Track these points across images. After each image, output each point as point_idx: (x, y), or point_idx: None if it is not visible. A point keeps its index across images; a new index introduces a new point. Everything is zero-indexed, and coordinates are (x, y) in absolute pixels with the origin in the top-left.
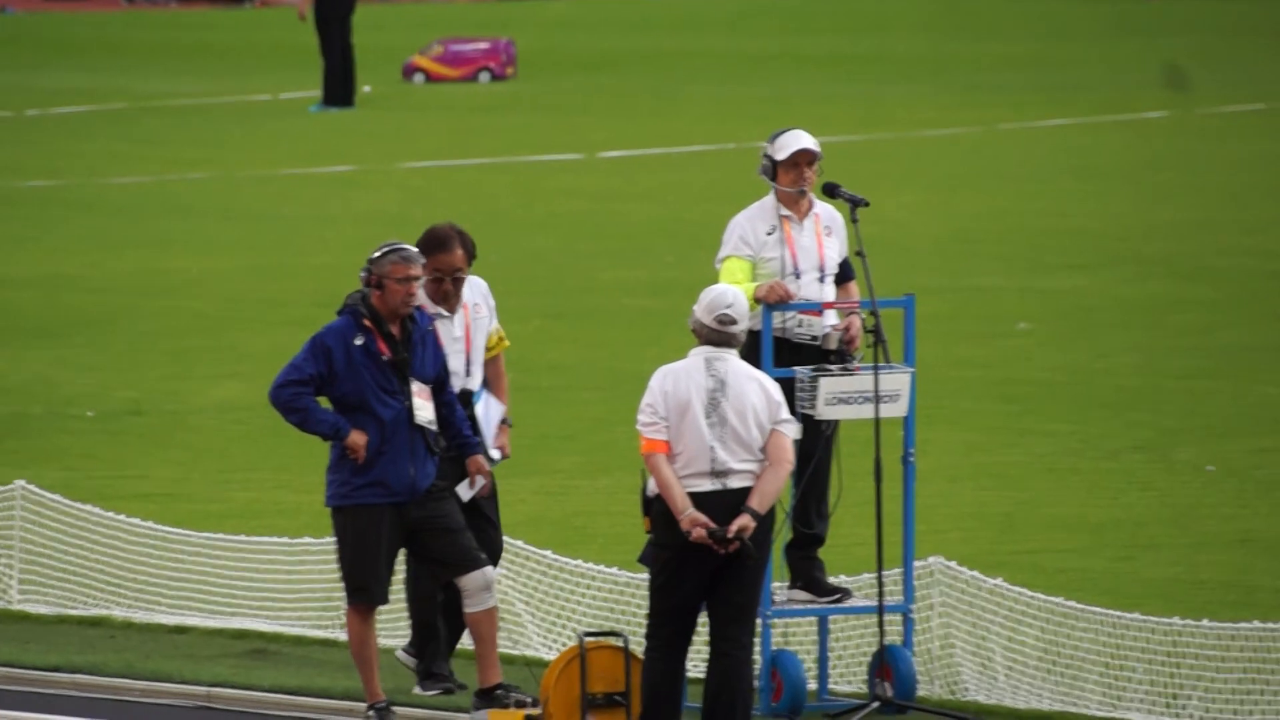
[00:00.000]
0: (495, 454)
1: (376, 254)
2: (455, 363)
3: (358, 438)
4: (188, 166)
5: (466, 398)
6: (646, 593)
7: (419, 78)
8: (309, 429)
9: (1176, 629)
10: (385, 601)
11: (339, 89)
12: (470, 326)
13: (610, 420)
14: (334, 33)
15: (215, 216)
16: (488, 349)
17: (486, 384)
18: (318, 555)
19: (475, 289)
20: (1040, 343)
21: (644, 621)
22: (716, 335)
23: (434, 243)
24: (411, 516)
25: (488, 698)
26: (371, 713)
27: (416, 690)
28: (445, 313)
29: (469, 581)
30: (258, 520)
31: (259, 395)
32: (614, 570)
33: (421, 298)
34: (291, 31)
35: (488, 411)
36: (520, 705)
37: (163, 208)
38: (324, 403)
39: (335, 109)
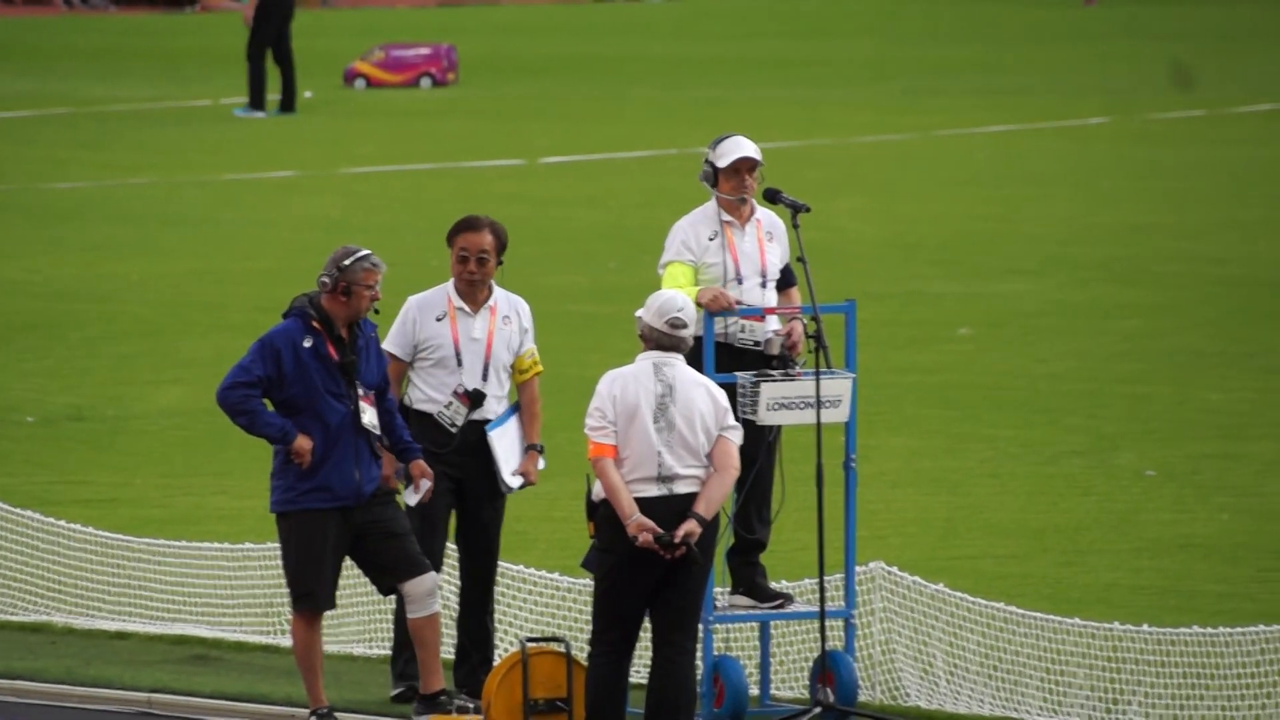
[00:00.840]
0: (514, 483)
1: (346, 261)
2: (471, 363)
3: (304, 443)
4: (129, 171)
5: (480, 398)
6: (589, 598)
7: (360, 83)
8: (256, 431)
9: (1117, 634)
10: (332, 606)
11: (263, 94)
12: (493, 334)
13: (552, 426)
14: (267, 39)
15: (156, 221)
16: (520, 371)
17: (516, 407)
18: (259, 561)
19: (511, 303)
20: (981, 348)
21: (586, 627)
22: (667, 339)
23: (464, 223)
24: (356, 521)
25: (431, 704)
26: (313, 719)
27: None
28: (468, 309)
29: (413, 587)
30: (199, 526)
31: (201, 400)
32: (556, 575)
33: (449, 291)
34: (233, 36)
35: (506, 437)
36: (462, 712)
37: (104, 212)
38: (268, 406)
39: (262, 114)
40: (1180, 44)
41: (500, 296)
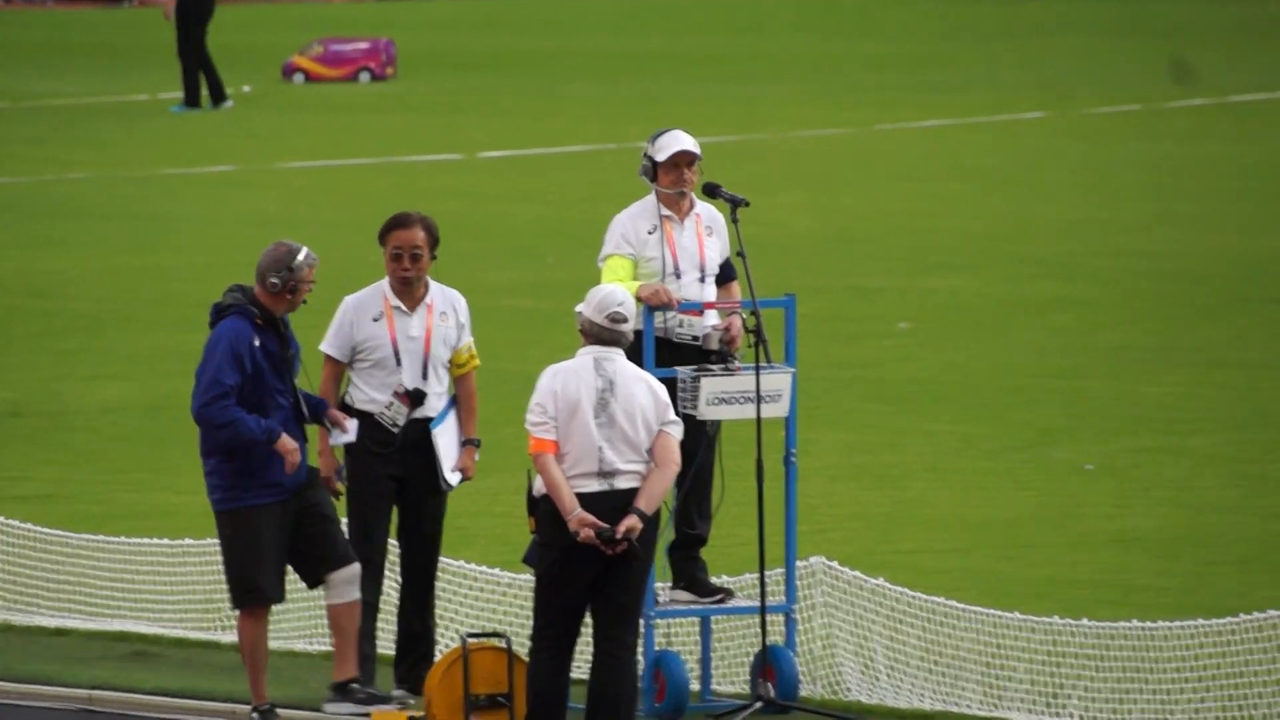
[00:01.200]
0: (454, 479)
1: (296, 260)
2: (410, 362)
3: (288, 441)
4: (68, 167)
5: (420, 397)
6: (530, 594)
7: (299, 78)
8: (243, 438)
9: (1056, 628)
10: (281, 599)
11: (198, 90)
12: (431, 331)
13: (493, 421)
14: (193, 34)
15: (95, 217)
16: (457, 365)
17: (455, 401)
18: (199, 556)
19: (448, 298)
20: (920, 343)
21: (527, 622)
22: (607, 334)
23: (394, 221)
24: (293, 508)
25: (342, 691)
26: (255, 715)
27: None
28: (405, 308)
29: (339, 575)
30: (139, 521)
31: (140, 396)
32: (497, 571)
33: (384, 289)
34: (171, 31)
35: (446, 434)
36: (372, 701)
37: (43, 208)
38: None
39: (198, 110)
40: (1115, 39)
41: (436, 292)
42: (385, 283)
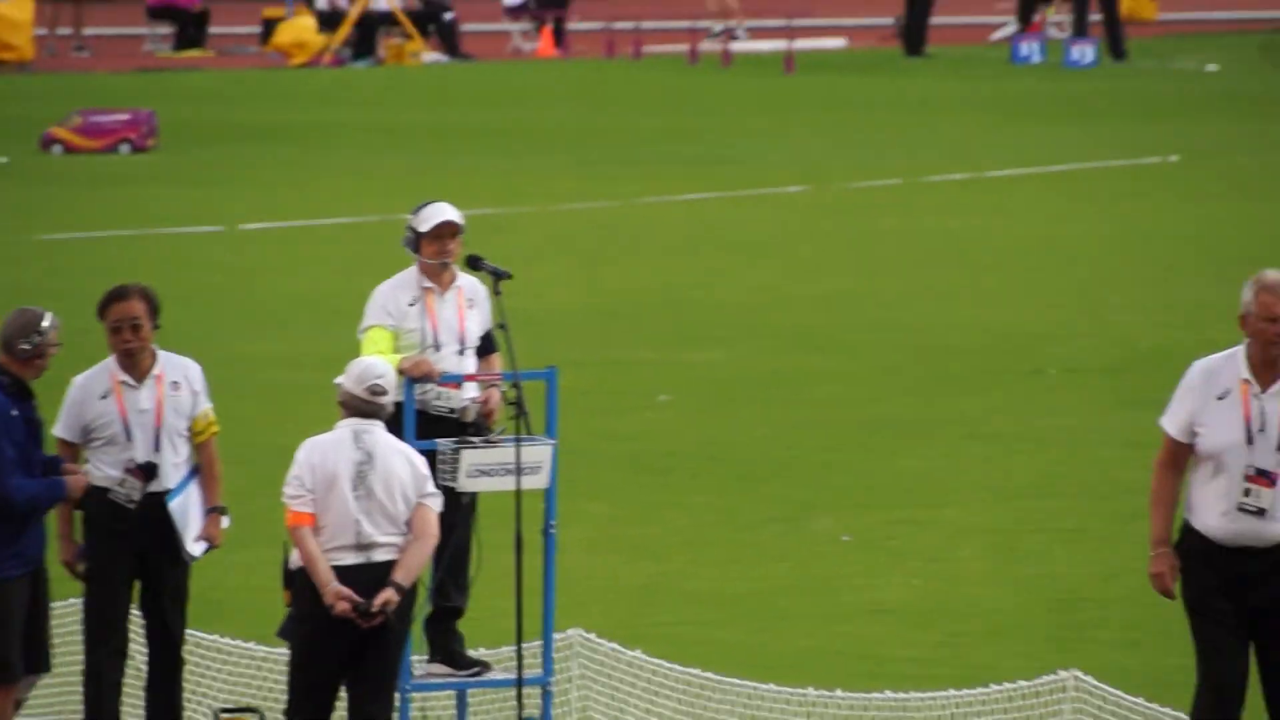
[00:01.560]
0: (197, 550)
1: (44, 324)
2: (142, 435)
3: (76, 479)
4: None
5: (152, 470)
6: (285, 668)
7: (57, 149)
8: (41, 508)
9: (810, 700)
10: (21, 677)
11: None
12: (162, 402)
13: (248, 493)
14: None
15: None
16: (196, 433)
17: (196, 470)
18: None
19: (179, 367)
20: (680, 415)
21: (282, 697)
22: (366, 406)
23: (111, 295)
24: (32, 583)
25: None
26: None
27: None
28: (132, 381)
29: (37, 677)
30: None
31: None
32: (251, 645)
33: (111, 366)
34: None
35: (186, 505)
36: None
37: None
38: None
39: None
40: (875, 114)
41: (166, 362)
42: (112, 359)
